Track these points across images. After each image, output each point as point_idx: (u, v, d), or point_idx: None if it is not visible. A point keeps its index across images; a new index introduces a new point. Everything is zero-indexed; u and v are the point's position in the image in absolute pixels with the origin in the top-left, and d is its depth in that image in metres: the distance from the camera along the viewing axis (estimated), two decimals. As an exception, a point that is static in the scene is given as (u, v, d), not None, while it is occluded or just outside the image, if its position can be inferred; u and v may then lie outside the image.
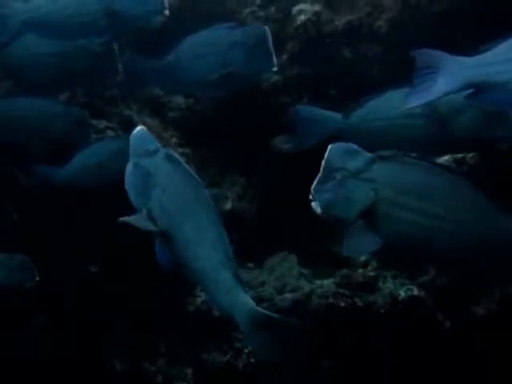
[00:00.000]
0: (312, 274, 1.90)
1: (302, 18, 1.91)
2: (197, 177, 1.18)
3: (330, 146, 1.15)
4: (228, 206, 2.08)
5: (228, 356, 1.86)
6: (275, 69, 1.63)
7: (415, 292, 1.68)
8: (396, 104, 1.26)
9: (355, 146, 1.15)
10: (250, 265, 2.01)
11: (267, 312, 1.11)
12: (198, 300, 1.94)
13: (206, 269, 1.12)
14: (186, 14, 2.07)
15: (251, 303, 1.10)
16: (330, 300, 1.76)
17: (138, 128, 1.27)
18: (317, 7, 1.91)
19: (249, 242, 1.98)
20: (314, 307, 1.79)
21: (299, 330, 1.11)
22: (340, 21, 1.91)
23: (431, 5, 1.72)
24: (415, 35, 1.78)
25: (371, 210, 1.09)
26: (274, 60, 1.61)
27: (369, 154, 1.13)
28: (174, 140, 2.11)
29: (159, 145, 1.24)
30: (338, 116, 1.47)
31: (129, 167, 1.25)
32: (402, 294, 1.68)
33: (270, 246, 1.99)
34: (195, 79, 1.69)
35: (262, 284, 1.92)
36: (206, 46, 1.66)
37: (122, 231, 1.94)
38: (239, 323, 1.09)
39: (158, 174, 1.19)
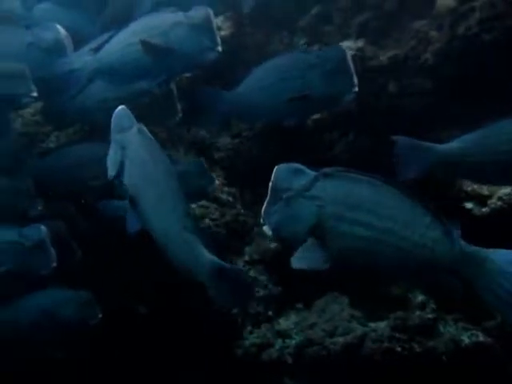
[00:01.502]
0: (364, 316, 1.76)
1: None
2: (161, 149, 1.30)
3: (275, 168, 1.16)
4: (274, 245, 2.00)
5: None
6: (356, 89, 1.54)
7: (480, 338, 1.52)
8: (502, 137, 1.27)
9: (300, 166, 1.15)
10: (299, 306, 1.89)
11: (225, 264, 1.18)
12: (247, 343, 1.83)
13: (167, 230, 1.21)
14: (231, 59, 2.08)
15: (211, 257, 1.17)
16: (385, 344, 1.62)
17: (119, 108, 1.36)
18: (360, 43, 1.86)
19: (297, 282, 1.87)
20: (367, 352, 1.64)
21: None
22: (385, 55, 1.84)
23: (481, 33, 1.63)
24: (464, 67, 1.69)
25: (318, 227, 1.09)
26: (355, 81, 1.53)
27: (313, 173, 1.13)
28: (220, 180, 2.07)
29: (135, 122, 1.33)
30: (438, 147, 1.38)
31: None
32: (466, 339, 1.53)
33: (318, 286, 1.87)
34: (270, 106, 1.63)
35: (312, 326, 1.80)
36: (281, 72, 1.61)
37: (173, 272, 1.91)
38: (202, 277, 1.17)
39: (130, 147, 1.30)
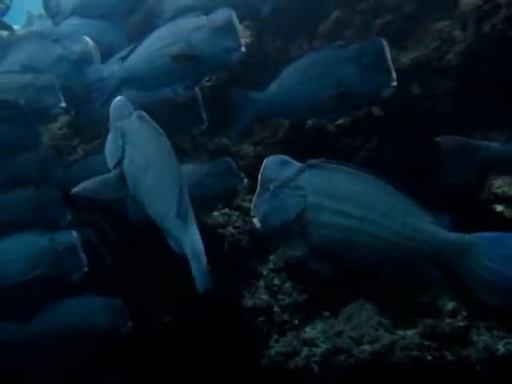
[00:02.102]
0: (392, 323, 1.70)
1: (367, 58, 1.82)
2: (162, 132, 1.28)
3: (264, 160, 1.17)
4: (299, 253, 1.96)
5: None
6: (395, 84, 1.48)
7: (517, 347, 1.43)
8: None
9: (287, 158, 1.16)
10: (326, 313, 1.85)
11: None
12: (272, 351, 1.79)
13: (163, 211, 1.22)
14: (252, 68, 2.06)
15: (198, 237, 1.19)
16: (415, 353, 1.55)
17: (117, 98, 1.39)
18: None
19: (323, 289, 1.83)
20: (396, 360, 1.58)
21: None
22: (407, 57, 1.79)
23: (507, 31, 1.56)
24: (491, 66, 1.62)
25: (301, 217, 1.10)
26: (394, 75, 1.47)
27: (299, 164, 1.14)
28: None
29: (133, 110, 1.35)
30: (493, 145, 1.31)
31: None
32: (501, 348, 1.45)
33: (345, 293, 1.82)
34: (305, 104, 1.58)
35: (339, 334, 1.75)
36: (316, 68, 1.54)
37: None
38: (193, 258, 1.18)
39: (130, 132, 1.31)
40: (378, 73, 1.46)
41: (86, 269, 1.73)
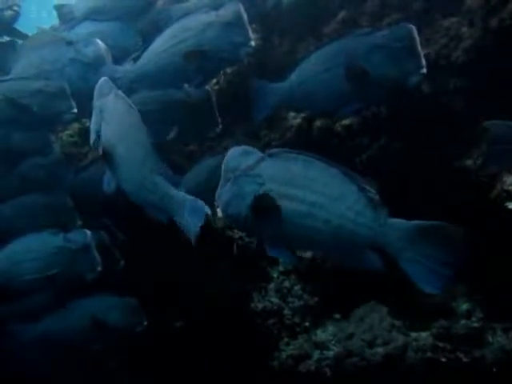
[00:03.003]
0: (405, 325, 1.65)
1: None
2: (135, 108, 1.35)
3: (228, 151, 1.22)
4: (308, 254, 1.92)
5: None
6: (424, 71, 1.41)
7: (534, 348, 1.38)
8: None
9: (250, 148, 1.20)
10: (337, 316, 1.80)
11: (197, 199, 1.25)
12: (283, 354, 1.76)
13: (137, 176, 1.31)
14: (260, 71, 2.04)
15: (178, 193, 1.28)
16: (429, 354, 1.50)
17: (101, 79, 1.43)
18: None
19: (333, 291, 1.79)
20: (410, 362, 1.53)
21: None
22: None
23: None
24: (499, 61, 1.58)
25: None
26: (423, 61, 1.40)
27: (260, 154, 1.18)
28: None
29: (114, 89, 1.40)
30: None
31: None
32: (518, 349, 1.39)
33: (356, 295, 1.77)
34: (327, 94, 1.50)
35: (350, 336, 1.71)
36: (338, 56, 1.47)
37: (211, 283, 1.86)
38: (172, 212, 1.26)
39: (106, 109, 1.38)
40: (407, 59, 1.39)
41: (100, 268, 1.72)
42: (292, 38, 2.04)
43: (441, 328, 1.54)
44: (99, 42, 1.84)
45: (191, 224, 1.22)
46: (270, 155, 1.16)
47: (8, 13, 2.12)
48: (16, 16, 2.15)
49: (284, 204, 1.10)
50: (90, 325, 1.73)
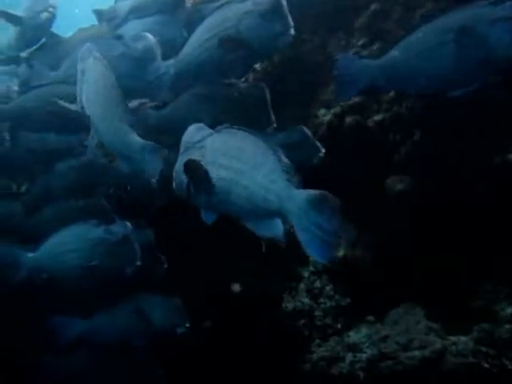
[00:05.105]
0: (442, 328, 1.55)
1: (408, 50, 1.68)
2: (110, 69, 1.53)
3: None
4: (340, 253, 1.84)
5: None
6: None
7: None
8: None
9: (202, 125, 1.32)
10: (370, 318, 1.72)
11: (151, 143, 1.46)
12: (315, 356, 1.68)
13: (109, 125, 1.48)
14: (290, 63, 1.98)
15: (140, 140, 1.46)
16: (470, 359, 1.40)
17: (85, 45, 1.60)
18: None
19: (366, 292, 1.70)
20: (449, 367, 1.43)
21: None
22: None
23: None
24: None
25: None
26: None
27: (209, 130, 1.30)
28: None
29: (96, 54, 1.57)
30: None
31: None
32: None
33: (391, 296, 1.68)
34: (431, 74, 1.35)
35: (384, 339, 1.62)
36: (451, 31, 1.31)
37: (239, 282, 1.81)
38: (135, 156, 1.45)
39: (87, 70, 1.56)
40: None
41: (139, 262, 1.69)
42: (323, 34, 1.97)
43: (483, 332, 1.44)
44: (149, 35, 1.79)
45: (151, 165, 1.42)
46: (217, 131, 1.28)
47: (44, 15, 2.14)
48: (52, 18, 2.16)
49: (218, 172, 1.22)
50: (136, 319, 1.71)
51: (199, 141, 1.29)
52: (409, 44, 1.39)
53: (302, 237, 1.08)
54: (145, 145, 1.47)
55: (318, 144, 1.70)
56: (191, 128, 1.33)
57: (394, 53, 1.41)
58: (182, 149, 1.32)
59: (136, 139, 1.48)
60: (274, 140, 1.64)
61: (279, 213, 1.15)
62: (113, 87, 1.51)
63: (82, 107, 1.54)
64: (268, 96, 1.69)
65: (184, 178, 1.27)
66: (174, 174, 1.32)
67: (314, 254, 1.08)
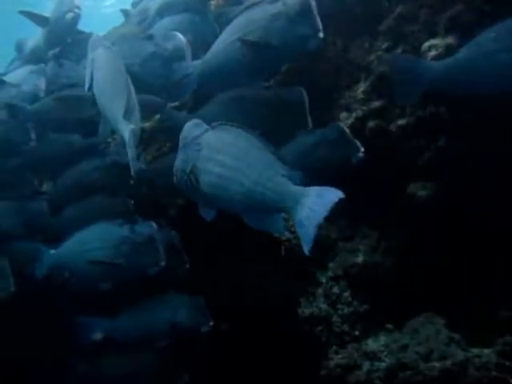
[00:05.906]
0: (464, 339, 1.50)
1: (433, 53, 1.63)
2: (119, 57, 1.59)
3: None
4: (359, 259, 1.80)
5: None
6: None
7: None
8: None
9: (200, 122, 1.33)
10: (389, 326, 1.67)
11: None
12: (331, 363, 1.65)
13: (110, 104, 1.52)
14: (315, 70, 1.95)
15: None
16: (494, 373, 1.34)
17: (93, 35, 1.69)
18: (450, 39, 1.62)
19: (385, 299, 1.66)
20: (471, 381, 1.38)
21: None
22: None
23: None
24: None
25: (195, 167, 1.28)
26: None
27: (206, 126, 1.31)
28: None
29: (105, 44, 1.64)
30: None
31: None
32: None
33: (410, 305, 1.63)
34: (503, 77, 1.28)
35: (404, 348, 1.57)
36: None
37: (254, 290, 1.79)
38: (123, 134, 1.42)
39: (96, 59, 1.62)
40: None
41: (163, 263, 1.67)
42: (345, 37, 1.94)
43: (507, 345, 1.38)
44: (179, 35, 1.78)
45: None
46: (213, 127, 1.29)
47: (69, 15, 2.17)
48: (77, 18, 2.19)
49: (214, 168, 1.23)
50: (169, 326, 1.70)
51: (196, 137, 1.30)
52: (476, 45, 1.33)
53: (300, 232, 1.08)
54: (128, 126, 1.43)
55: (357, 142, 1.61)
56: (189, 124, 1.33)
57: (460, 54, 1.35)
58: (180, 145, 1.33)
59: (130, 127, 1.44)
60: (312, 137, 1.62)
61: (278, 208, 1.16)
62: (122, 75, 1.53)
63: (89, 89, 1.60)
64: (306, 100, 1.64)
65: (183, 174, 1.29)
66: (173, 169, 1.33)
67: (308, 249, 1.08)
